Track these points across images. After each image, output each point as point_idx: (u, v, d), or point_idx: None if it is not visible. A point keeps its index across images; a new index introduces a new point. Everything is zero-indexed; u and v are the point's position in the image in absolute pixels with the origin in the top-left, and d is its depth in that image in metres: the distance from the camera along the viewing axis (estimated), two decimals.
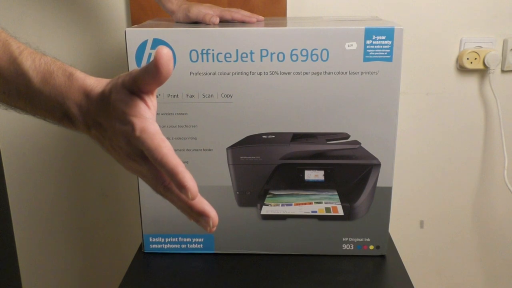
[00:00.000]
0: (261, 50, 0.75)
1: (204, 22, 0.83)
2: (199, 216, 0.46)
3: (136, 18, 1.09)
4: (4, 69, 0.48)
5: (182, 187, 0.42)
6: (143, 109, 0.46)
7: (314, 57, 0.75)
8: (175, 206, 0.48)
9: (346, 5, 1.11)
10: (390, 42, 0.74)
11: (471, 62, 1.12)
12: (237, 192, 0.82)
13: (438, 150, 1.21)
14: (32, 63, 0.48)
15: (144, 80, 0.44)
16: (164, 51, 0.41)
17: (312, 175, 0.81)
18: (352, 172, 0.81)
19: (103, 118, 0.47)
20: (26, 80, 0.48)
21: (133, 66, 0.76)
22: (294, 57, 0.75)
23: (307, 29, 0.75)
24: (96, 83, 0.48)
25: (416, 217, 1.26)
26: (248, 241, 0.85)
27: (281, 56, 0.75)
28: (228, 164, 0.81)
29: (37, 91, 0.48)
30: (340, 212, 0.82)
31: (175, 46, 0.75)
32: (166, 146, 0.43)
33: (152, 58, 0.43)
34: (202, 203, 0.45)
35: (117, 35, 1.13)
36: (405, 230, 1.25)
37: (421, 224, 1.26)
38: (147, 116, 0.45)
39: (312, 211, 0.83)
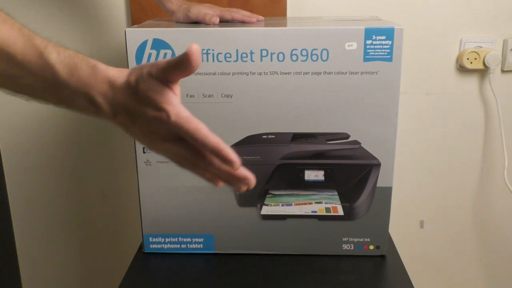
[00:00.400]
0: (261, 50, 0.75)
1: (204, 22, 0.83)
2: (239, 181, 0.52)
3: (136, 18, 1.09)
4: (32, 63, 0.50)
5: (227, 161, 0.49)
6: (172, 96, 0.50)
7: (314, 57, 0.75)
8: (202, 177, 0.54)
9: (346, 5, 1.11)
10: (390, 42, 0.74)
11: (471, 62, 1.12)
12: (237, 192, 0.82)
13: (438, 150, 1.21)
14: (57, 57, 0.51)
15: (174, 72, 0.49)
16: (195, 47, 0.46)
17: (312, 175, 0.81)
18: (352, 172, 0.81)
19: (132, 105, 0.51)
20: (53, 73, 0.50)
21: (133, 66, 0.76)
22: (294, 57, 0.75)
23: (307, 29, 0.75)
24: (118, 73, 0.52)
25: (416, 217, 1.26)
26: (248, 241, 0.85)
27: (281, 56, 0.75)
28: None
29: (64, 83, 0.51)
30: (340, 212, 0.82)
31: (175, 46, 0.75)
32: (203, 127, 0.49)
33: (166, 57, 0.44)
34: (243, 171, 0.51)
35: (117, 35, 1.13)
36: (405, 230, 1.25)
37: (421, 224, 1.26)
38: (177, 102, 0.50)
39: (312, 211, 0.83)
